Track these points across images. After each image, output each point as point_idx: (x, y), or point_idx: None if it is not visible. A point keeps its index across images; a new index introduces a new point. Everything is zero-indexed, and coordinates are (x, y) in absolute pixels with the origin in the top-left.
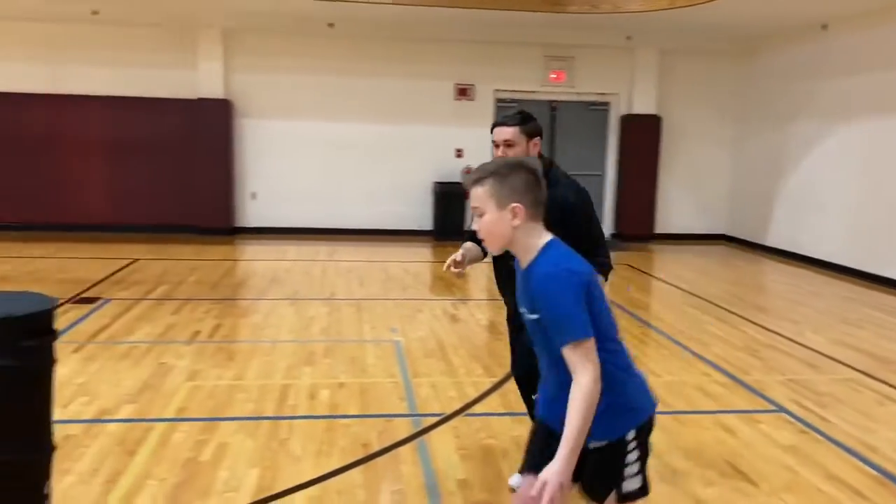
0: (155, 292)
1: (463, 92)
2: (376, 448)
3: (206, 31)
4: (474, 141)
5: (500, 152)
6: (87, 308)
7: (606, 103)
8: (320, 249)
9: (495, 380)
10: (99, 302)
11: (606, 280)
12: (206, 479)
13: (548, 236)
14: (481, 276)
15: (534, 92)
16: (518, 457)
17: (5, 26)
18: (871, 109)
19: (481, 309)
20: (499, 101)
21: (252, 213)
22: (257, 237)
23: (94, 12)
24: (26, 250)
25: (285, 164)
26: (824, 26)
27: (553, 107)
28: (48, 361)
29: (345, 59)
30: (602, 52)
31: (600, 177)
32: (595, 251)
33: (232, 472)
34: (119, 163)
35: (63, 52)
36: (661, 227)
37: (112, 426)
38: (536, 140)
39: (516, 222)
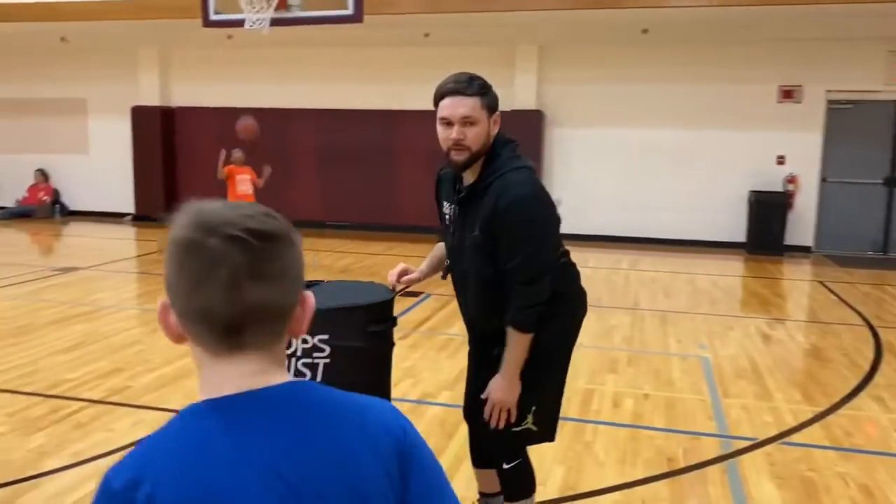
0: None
1: (788, 94)
2: (682, 464)
3: (524, 47)
4: (799, 146)
5: (454, 133)
6: (411, 301)
7: None
8: (622, 258)
9: (817, 409)
10: (422, 296)
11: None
12: None
13: None
14: (802, 294)
15: (875, 92)
16: (846, 495)
17: (349, 52)
18: None
19: (802, 330)
20: (831, 102)
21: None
22: None
23: (426, 35)
24: (364, 247)
25: (592, 172)
26: None
27: None
28: (389, 344)
29: (657, 65)
30: None
31: None
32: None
33: (539, 466)
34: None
35: (398, 73)
36: None
37: (434, 409)
38: (497, 116)
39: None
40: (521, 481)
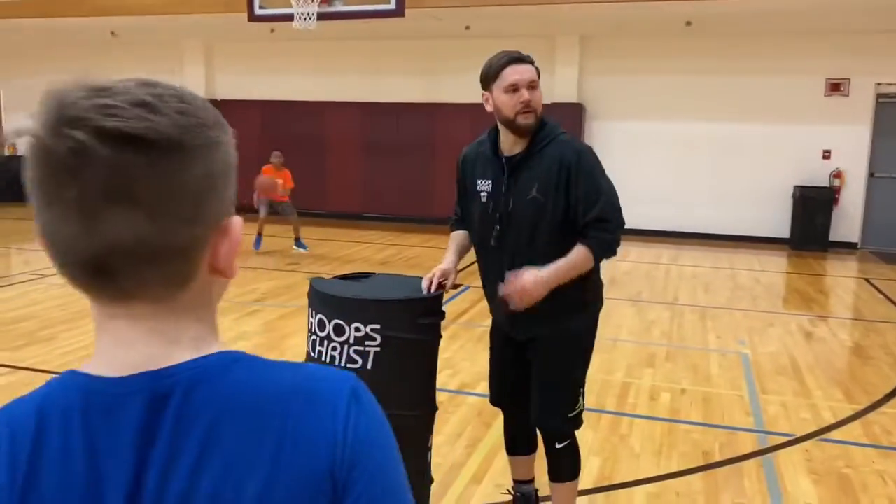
0: None
1: (835, 87)
2: (718, 458)
3: (565, 38)
4: (846, 140)
5: (524, 95)
6: (451, 293)
7: None
8: (663, 252)
9: (857, 407)
10: (461, 288)
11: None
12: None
13: None
14: (846, 291)
15: None
16: (884, 493)
17: (391, 45)
18: None
19: (845, 328)
20: (881, 95)
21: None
22: None
23: (467, 27)
24: (403, 239)
25: (633, 165)
26: None
27: None
28: (437, 337)
29: (700, 57)
30: None
31: None
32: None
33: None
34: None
35: (438, 65)
36: None
37: (472, 399)
38: None
39: None
40: (572, 462)
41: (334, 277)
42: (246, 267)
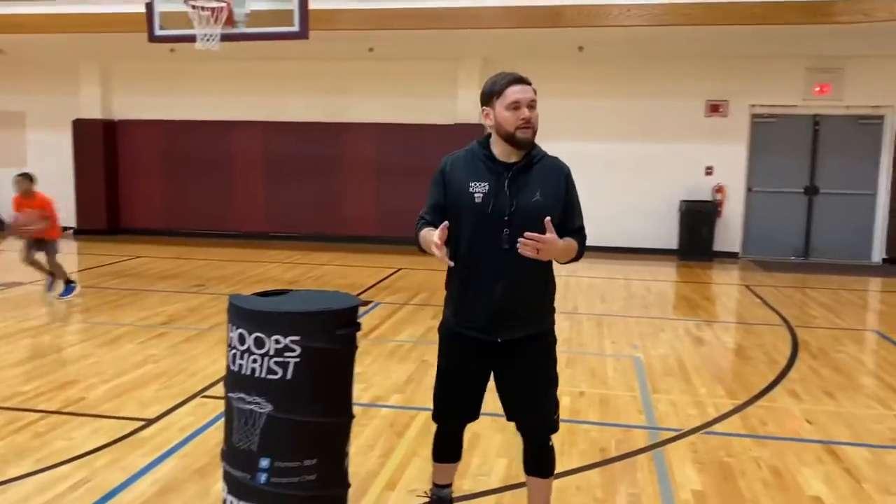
0: (416, 298)
1: (715, 108)
2: (614, 454)
3: (467, 62)
4: (726, 158)
5: (525, 113)
6: (360, 309)
7: (880, 117)
8: (562, 265)
9: (737, 402)
10: (371, 304)
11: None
12: (462, 463)
13: None
14: (729, 297)
15: (794, 106)
16: (758, 477)
17: (295, 65)
18: None
19: (728, 331)
20: (755, 116)
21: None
22: None
23: (370, 49)
24: (313, 258)
25: None
26: None
27: (816, 121)
28: (353, 347)
29: (592, 80)
30: (876, 62)
31: (871, 196)
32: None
33: (483, 459)
34: (387, 182)
35: (344, 86)
36: None
37: (384, 411)
38: None
39: None
40: (554, 455)
41: (252, 294)
42: (151, 290)
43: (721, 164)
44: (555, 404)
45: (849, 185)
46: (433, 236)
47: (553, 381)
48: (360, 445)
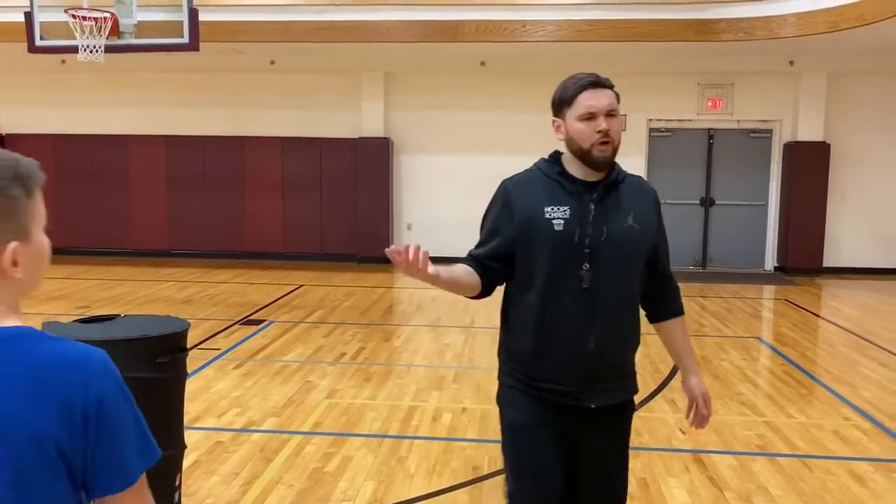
0: (312, 316)
1: None
2: (486, 471)
3: (370, 74)
4: (627, 170)
5: (602, 125)
6: (252, 329)
7: (769, 130)
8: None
9: None
10: (264, 324)
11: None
12: (328, 487)
13: None
14: None
15: (689, 120)
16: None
17: (195, 77)
18: None
19: None
20: (652, 130)
21: (406, 242)
22: None
23: (272, 62)
24: (210, 276)
25: (439, 197)
26: None
27: (710, 135)
28: (180, 374)
29: (496, 94)
30: (763, 77)
31: (762, 206)
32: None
33: (351, 483)
34: (291, 197)
35: (245, 99)
36: (831, 260)
37: (256, 436)
38: None
39: None
40: None
41: (74, 321)
42: (31, 313)
43: None
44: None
45: (742, 196)
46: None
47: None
48: (224, 474)
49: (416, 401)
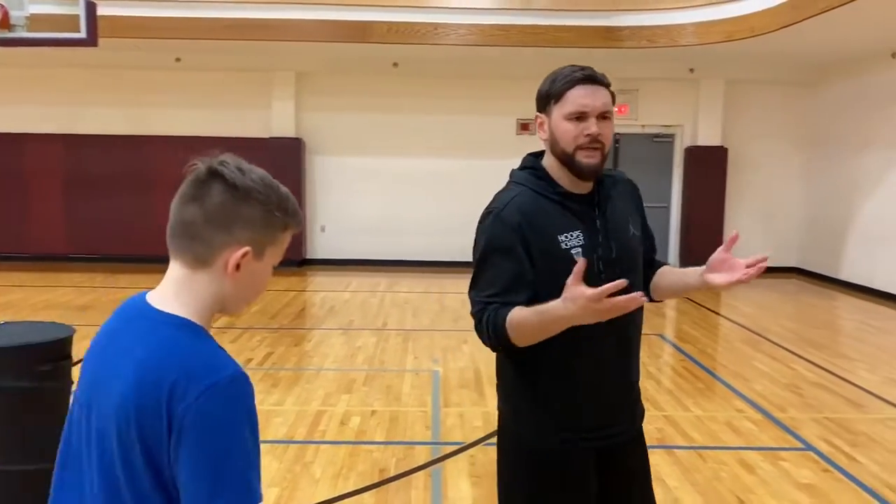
0: (219, 321)
1: (525, 127)
2: (393, 473)
3: (280, 75)
4: None
5: (592, 127)
6: None
7: (671, 135)
8: (381, 281)
9: None
10: None
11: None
12: None
13: None
14: None
15: None
16: None
17: (95, 74)
18: None
19: None
20: None
21: (321, 245)
22: (325, 269)
23: (177, 59)
24: (113, 281)
25: (352, 199)
26: (894, 54)
27: (616, 139)
28: (64, 383)
29: (409, 96)
30: (665, 84)
31: (666, 208)
32: None
33: None
34: None
35: (149, 97)
36: None
37: None
38: None
39: None
40: None
41: None
42: None
43: None
44: None
45: (647, 198)
46: (567, 298)
47: None
48: None
49: (324, 405)
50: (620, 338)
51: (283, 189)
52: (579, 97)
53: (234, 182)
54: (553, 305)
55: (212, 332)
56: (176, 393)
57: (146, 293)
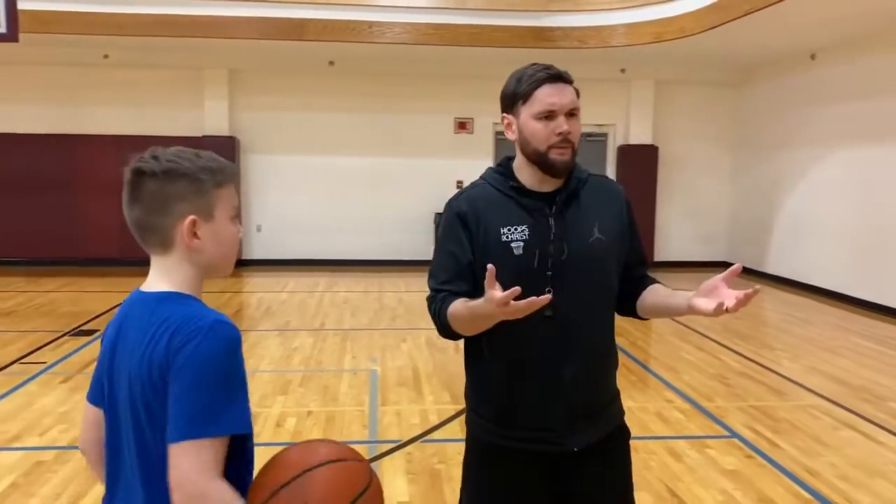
0: None
1: (462, 125)
2: None
3: (213, 72)
4: (474, 172)
5: (561, 126)
6: (83, 340)
7: (604, 134)
8: (320, 280)
9: (460, 406)
10: (97, 334)
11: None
12: None
13: None
14: None
15: None
16: (461, 479)
17: (20, 71)
18: (858, 136)
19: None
20: (498, 133)
21: (257, 245)
22: (262, 269)
23: (105, 56)
24: (39, 285)
25: (289, 198)
26: (812, 56)
27: None
28: None
29: (346, 95)
30: (597, 84)
31: None
32: None
33: None
34: None
35: (76, 95)
36: (661, 255)
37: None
38: None
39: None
40: None
41: None
42: None
43: (470, 178)
44: None
45: None
46: (485, 298)
47: (633, 500)
48: (45, 495)
49: (259, 407)
50: (562, 338)
51: (203, 153)
52: (547, 96)
53: (153, 170)
54: (477, 302)
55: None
56: (171, 348)
57: (140, 287)
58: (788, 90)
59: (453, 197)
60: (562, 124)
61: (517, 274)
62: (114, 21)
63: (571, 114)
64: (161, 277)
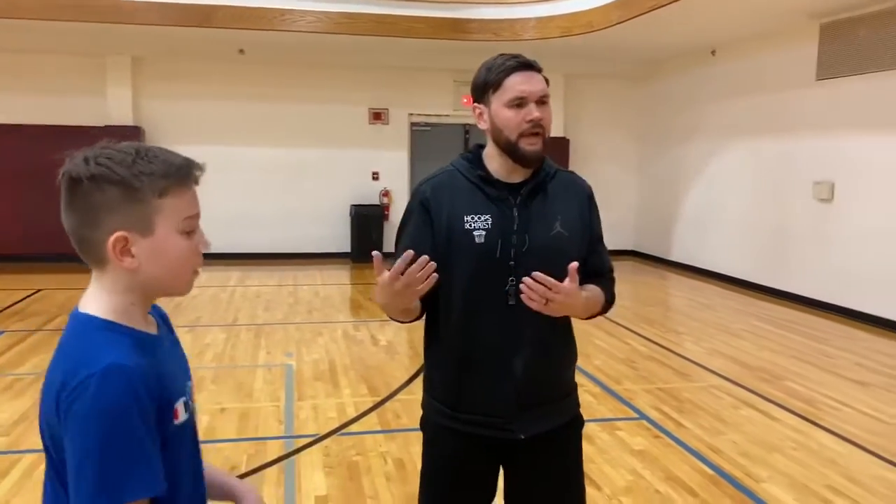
0: (53, 323)
1: (377, 116)
2: (244, 470)
3: (116, 59)
4: (390, 164)
5: (532, 114)
6: None
7: None
8: (232, 275)
9: (377, 398)
10: None
11: None
12: None
13: None
14: None
15: (447, 116)
16: (383, 471)
17: None
18: (754, 129)
19: (382, 330)
20: (413, 124)
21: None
22: None
23: None
24: None
25: (200, 190)
26: (713, 52)
27: (466, 130)
28: None
29: (257, 84)
30: None
31: None
32: None
33: None
34: (29, 191)
35: None
36: None
37: None
38: None
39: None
40: None
41: None
42: None
43: (386, 169)
44: None
45: None
46: (378, 286)
47: (584, 486)
48: None
49: None
50: (514, 338)
51: (150, 153)
52: (517, 84)
53: (80, 175)
54: (378, 289)
55: (40, 334)
56: (60, 406)
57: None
58: (691, 85)
59: (420, 182)
60: (532, 111)
61: (478, 262)
62: (5, 3)
63: (542, 101)
64: (91, 297)
